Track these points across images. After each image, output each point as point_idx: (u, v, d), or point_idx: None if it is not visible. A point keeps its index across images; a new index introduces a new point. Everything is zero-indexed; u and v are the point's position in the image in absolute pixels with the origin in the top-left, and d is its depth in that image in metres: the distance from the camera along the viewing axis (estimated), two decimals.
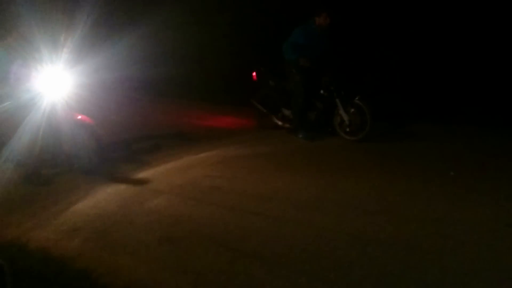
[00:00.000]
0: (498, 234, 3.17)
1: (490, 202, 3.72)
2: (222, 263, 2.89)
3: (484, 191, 3.97)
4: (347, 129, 5.71)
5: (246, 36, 9.17)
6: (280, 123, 6.33)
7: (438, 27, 7.57)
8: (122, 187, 4.30)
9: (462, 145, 5.54)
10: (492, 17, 7.23)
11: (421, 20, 7.61)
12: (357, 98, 5.57)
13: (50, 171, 4.65)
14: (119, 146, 5.60)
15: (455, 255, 2.89)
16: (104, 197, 4.09)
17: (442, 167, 4.63)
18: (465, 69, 7.28)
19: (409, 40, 7.63)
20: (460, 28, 7.41)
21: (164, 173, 4.70)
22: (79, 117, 4.57)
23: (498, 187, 4.05)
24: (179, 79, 9.29)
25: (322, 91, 5.92)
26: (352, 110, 5.63)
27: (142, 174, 4.67)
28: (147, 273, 2.80)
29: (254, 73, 6.49)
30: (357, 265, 2.81)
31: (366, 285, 2.60)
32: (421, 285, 2.58)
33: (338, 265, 2.81)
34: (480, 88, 7.00)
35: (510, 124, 6.09)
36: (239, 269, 2.80)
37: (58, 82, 4.45)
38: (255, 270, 2.78)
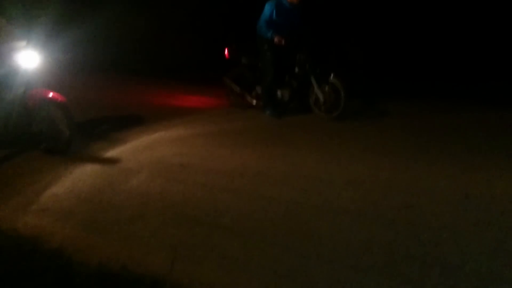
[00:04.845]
0: (458, 204, 3.35)
1: (450, 175, 3.92)
2: (197, 238, 2.94)
3: (444, 164, 4.16)
4: (322, 107, 5.72)
5: (213, 9, 9.05)
6: (254, 101, 6.27)
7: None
8: (90, 167, 4.25)
9: (429, 122, 5.61)
10: None
11: None
12: (331, 76, 5.56)
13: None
14: (87, 124, 5.51)
15: (420, 225, 3.05)
16: (72, 177, 4.03)
17: (409, 143, 4.78)
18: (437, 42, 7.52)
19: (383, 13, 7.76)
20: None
21: (133, 151, 4.66)
22: (51, 94, 4.42)
23: (457, 160, 4.25)
24: (144, 57, 9.16)
25: (296, 69, 5.89)
26: (327, 88, 5.63)
27: (111, 153, 4.62)
28: (122, 249, 2.82)
29: (226, 50, 6.37)
30: (328, 235, 2.92)
31: (338, 254, 2.72)
32: (389, 253, 2.71)
33: (310, 237, 2.91)
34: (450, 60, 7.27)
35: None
36: (214, 243, 2.87)
37: (30, 59, 4.33)
38: (230, 244, 2.85)
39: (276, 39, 5.59)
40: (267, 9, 5.68)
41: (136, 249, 2.82)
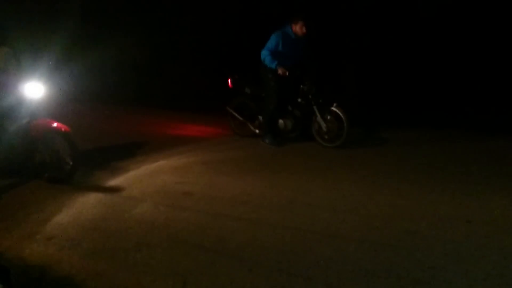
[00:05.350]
0: (459, 229, 3.40)
1: (450, 200, 3.97)
2: (203, 265, 2.95)
3: (444, 190, 4.22)
4: (325, 136, 5.79)
5: (214, 39, 9.23)
6: (257, 130, 6.34)
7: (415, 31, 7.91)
8: (94, 196, 4.27)
9: (429, 150, 5.71)
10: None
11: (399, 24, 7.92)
12: (334, 105, 5.66)
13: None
14: (90, 153, 5.56)
15: (424, 250, 3.08)
16: (76, 206, 4.04)
17: (409, 171, 4.87)
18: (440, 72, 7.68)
19: (386, 45, 7.93)
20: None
21: (136, 180, 4.70)
22: (55, 124, 4.48)
23: (457, 186, 4.32)
24: (146, 86, 9.29)
25: (299, 99, 5.98)
26: (330, 117, 5.71)
27: (114, 182, 4.65)
28: (130, 277, 2.83)
29: (229, 81, 6.45)
30: (333, 262, 2.94)
31: (344, 280, 2.74)
32: (394, 278, 2.74)
33: (315, 263, 2.93)
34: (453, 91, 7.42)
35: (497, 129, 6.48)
36: (220, 270, 2.88)
37: (35, 89, 4.42)
38: (236, 270, 2.87)
39: (280, 71, 5.69)
40: (273, 39, 5.78)
41: (143, 276, 2.83)
